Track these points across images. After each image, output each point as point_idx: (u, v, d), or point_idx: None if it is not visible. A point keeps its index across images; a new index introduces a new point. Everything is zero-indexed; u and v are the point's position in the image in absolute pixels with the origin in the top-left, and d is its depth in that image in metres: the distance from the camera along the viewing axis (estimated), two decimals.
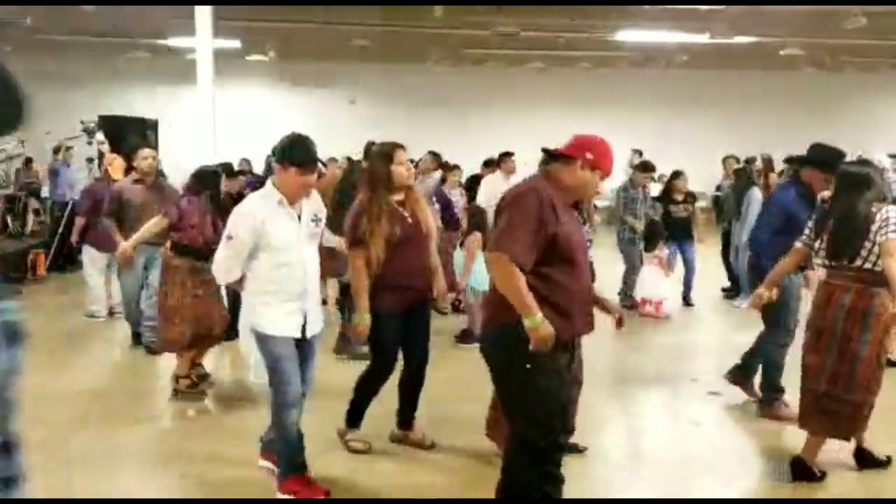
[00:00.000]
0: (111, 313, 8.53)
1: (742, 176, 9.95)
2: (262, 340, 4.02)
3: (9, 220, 12.03)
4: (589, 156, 3.39)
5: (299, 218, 4.03)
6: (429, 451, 4.77)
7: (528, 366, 3.24)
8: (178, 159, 15.39)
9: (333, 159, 11.92)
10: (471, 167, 12.03)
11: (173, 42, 14.93)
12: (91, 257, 8.38)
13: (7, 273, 10.02)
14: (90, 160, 11.55)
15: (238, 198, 6.44)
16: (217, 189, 6.10)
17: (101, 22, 13.68)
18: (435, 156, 9.66)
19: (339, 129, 18.11)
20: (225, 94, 15.21)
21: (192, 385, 5.83)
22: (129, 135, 12.76)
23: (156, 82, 18.08)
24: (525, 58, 17.88)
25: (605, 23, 13.49)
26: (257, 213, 3.94)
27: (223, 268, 4.09)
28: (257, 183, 12.87)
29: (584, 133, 3.55)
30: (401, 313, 4.53)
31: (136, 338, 7.12)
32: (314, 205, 4.13)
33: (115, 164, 8.50)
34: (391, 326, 4.53)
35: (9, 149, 13.70)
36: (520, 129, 18.45)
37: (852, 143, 14.88)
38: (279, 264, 3.96)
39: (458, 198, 9.07)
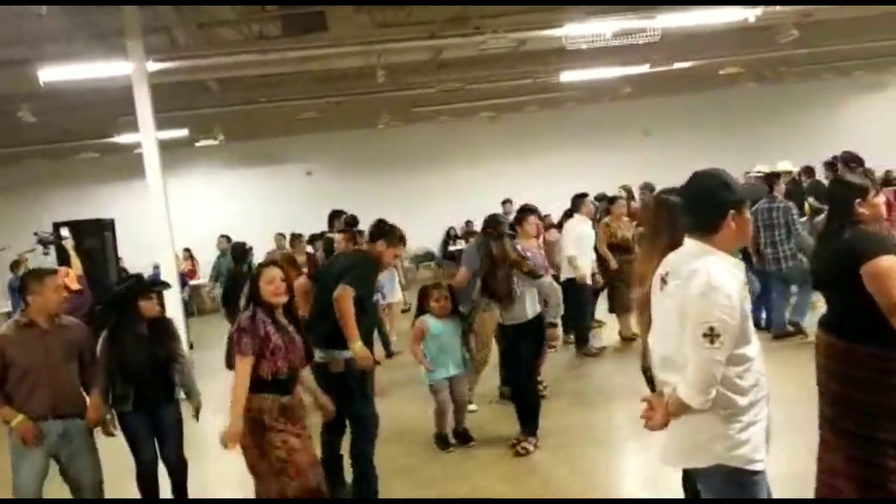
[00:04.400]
0: None
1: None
2: (745, 482, 2.82)
3: None
4: None
5: None
6: None
7: None
8: (136, 258, 15.33)
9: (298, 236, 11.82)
10: (435, 222, 12.01)
11: (120, 139, 14.86)
12: None
13: None
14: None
15: (155, 322, 5.07)
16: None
17: (45, 128, 13.59)
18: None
19: (299, 202, 18.15)
20: (178, 182, 15.21)
21: None
22: (87, 239, 12.58)
23: (109, 181, 17.96)
24: (474, 109, 18.05)
25: (546, 67, 13.67)
26: (738, 288, 2.80)
27: (711, 381, 2.74)
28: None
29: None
30: None
31: None
32: None
33: (71, 274, 8.28)
34: None
35: None
36: (479, 178, 18.60)
37: (803, 150, 15.15)
38: (750, 359, 2.85)
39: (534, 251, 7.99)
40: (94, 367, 4.84)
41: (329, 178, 19.21)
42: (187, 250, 16.56)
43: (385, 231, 5.50)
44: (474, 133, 19.55)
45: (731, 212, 2.84)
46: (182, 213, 13.24)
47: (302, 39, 9.91)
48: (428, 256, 19.56)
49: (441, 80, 13.44)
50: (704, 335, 2.70)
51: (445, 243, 19.48)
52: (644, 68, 13.88)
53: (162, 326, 5.20)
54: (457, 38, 10.34)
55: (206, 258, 15.47)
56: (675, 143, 19.24)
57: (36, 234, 11.01)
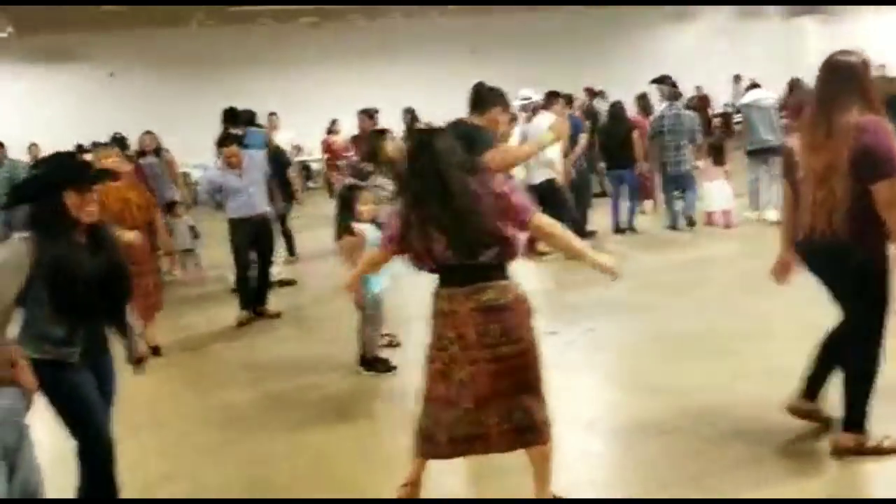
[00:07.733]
0: None
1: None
2: None
3: None
4: None
5: None
6: None
7: None
8: None
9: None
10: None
11: None
12: None
13: None
14: None
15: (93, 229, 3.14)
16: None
17: None
18: None
19: (100, 105, 16.64)
20: None
21: None
22: None
23: None
24: (296, 13, 17.05)
25: None
26: None
27: None
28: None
29: None
30: None
31: None
32: None
33: None
34: None
35: None
36: (297, 87, 17.70)
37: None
38: None
39: None
40: None
41: (134, 81, 17.64)
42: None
43: (498, 94, 4.37)
44: (294, 40, 18.46)
45: None
46: None
47: None
48: None
49: None
50: None
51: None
52: None
53: (104, 236, 3.24)
54: None
55: None
56: (502, 62, 19.01)
57: None
